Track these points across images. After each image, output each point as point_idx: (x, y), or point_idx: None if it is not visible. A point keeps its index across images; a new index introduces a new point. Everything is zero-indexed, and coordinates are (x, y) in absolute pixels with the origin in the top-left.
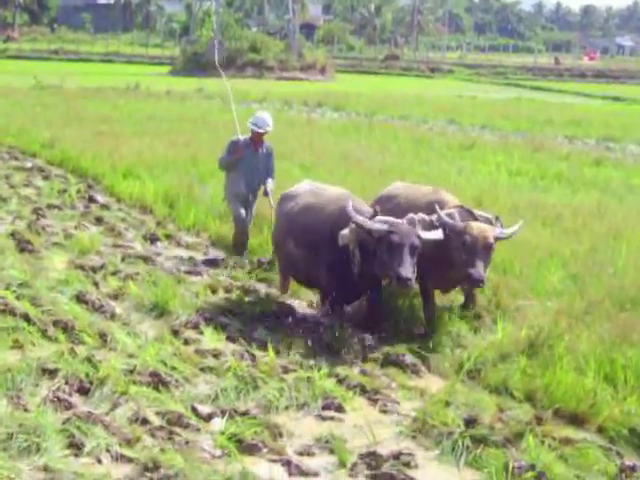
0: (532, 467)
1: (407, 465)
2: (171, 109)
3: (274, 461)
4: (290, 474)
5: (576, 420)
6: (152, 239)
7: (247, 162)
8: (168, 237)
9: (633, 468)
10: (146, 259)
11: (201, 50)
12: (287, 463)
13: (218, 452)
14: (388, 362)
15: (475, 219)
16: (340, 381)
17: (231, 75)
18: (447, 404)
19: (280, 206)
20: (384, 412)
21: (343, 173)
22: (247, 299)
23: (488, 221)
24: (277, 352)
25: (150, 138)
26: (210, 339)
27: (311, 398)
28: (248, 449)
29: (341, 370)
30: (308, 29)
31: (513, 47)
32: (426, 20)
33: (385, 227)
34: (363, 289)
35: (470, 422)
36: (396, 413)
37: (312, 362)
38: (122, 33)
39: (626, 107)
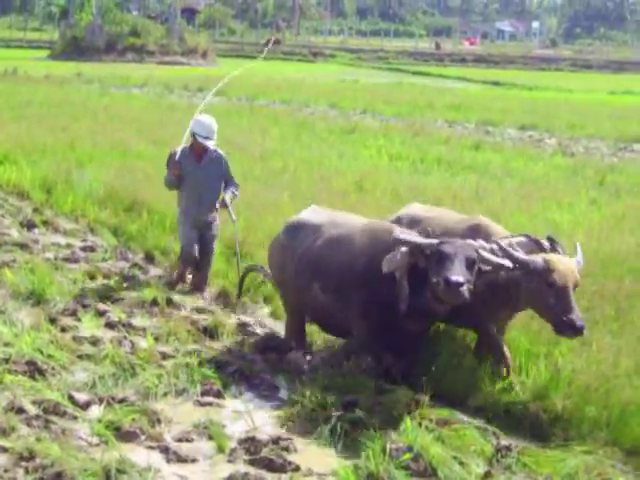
0: (409, 449)
1: (286, 449)
2: (50, 94)
3: (152, 448)
4: (168, 460)
5: (455, 402)
6: (29, 226)
7: (190, 177)
8: (46, 223)
9: (508, 448)
10: (23, 246)
11: (80, 34)
12: (165, 450)
13: (95, 440)
14: (267, 347)
15: (542, 249)
16: (219, 367)
17: (111, 60)
18: (326, 388)
19: (289, 239)
20: (263, 397)
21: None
22: (126, 285)
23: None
24: (156, 339)
25: (28, 123)
26: (88, 326)
27: (190, 384)
28: (126, 436)
29: (220, 356)
30: (189, 13)
31: (395, 32)
32: (308, 4)
33: (435, 241)
34: (408, 334)
35: (349, 406)
36: (275, 398)
37: (191, 348)
38: None
39: (505, 92)
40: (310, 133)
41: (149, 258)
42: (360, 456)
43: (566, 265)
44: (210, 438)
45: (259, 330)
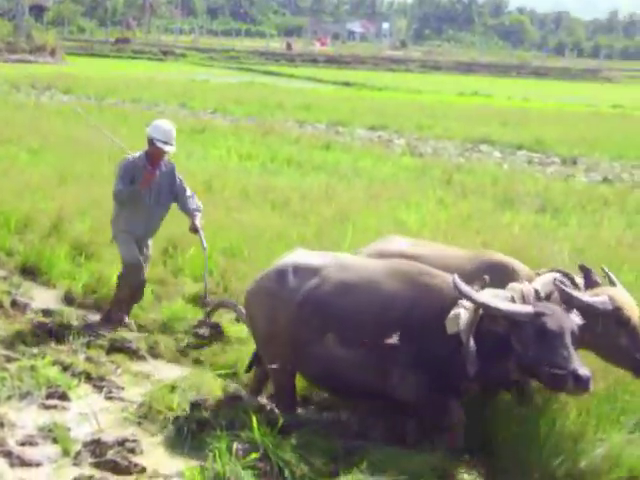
0: (256, 449)
1: (132, 451)
2: None
3: None
4: (12, 465)
5: (302, 401)
6: None
7: (144, 190)
8: None
9: (355, 446)
10: None
11: None
12: (8, 454)
13: None
14: (114, 348)
15: (576, 286)
16: (65, 368)
17: None
18: (173, 389)
19: (280, 286)
20: (109, 399)
21: (71, 156)
22: None
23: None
24: (0, 341)
25: None
26: None
27: (34, 387)
28: None
29: (66, 357)
30: (38, 10)
31: (246, 32)
32: (158, 3)
33: (530, 309)
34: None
35: (196, 406)
36: (122, 399)
37: (36, 350)
38: None
39: (355, 92)
40: None
41: None
42: (207, 457)
43: (628, 298)
44: (55, 441)
45: (105, 332)
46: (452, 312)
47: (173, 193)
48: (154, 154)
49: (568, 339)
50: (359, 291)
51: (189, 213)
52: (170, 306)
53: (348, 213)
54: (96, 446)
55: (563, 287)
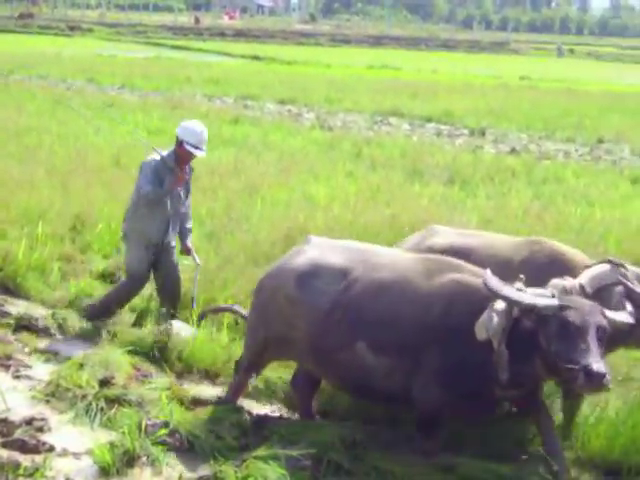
0: (165, 424)
1: (40, 430)
2: None
3: None
4: None
5: (211, 376)
6: None
7: (172, 195)
8: None
9: (264, 419)
10: None
11: None
12: None
13: None
14: (21, 326)
15: (624, 276)
16: None
17: None
18: (81, 366)
19: (302, 290)
20: (17, 377)
21: None
22: None
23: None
24: None
25: None
26: None
27: None
28: None
29: None
30: None
31: (154, 6)
32: None
33: (554, 302)
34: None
35: (105, 383)
36: (29, 378)
37: None
38: None
39: (265, 66)
40: (67, 109)
41: None
42: (117, 433)
43: None
44: None
45: (12, 310)
46: (482, 317)
47: (186, 202)
48: (183, 157)
49: (592, 334)
50: (394, 293)
51: (182, 230)
52: (78, 283)
53: (257, 187)
54: (3, 425)
55: (626, 281)
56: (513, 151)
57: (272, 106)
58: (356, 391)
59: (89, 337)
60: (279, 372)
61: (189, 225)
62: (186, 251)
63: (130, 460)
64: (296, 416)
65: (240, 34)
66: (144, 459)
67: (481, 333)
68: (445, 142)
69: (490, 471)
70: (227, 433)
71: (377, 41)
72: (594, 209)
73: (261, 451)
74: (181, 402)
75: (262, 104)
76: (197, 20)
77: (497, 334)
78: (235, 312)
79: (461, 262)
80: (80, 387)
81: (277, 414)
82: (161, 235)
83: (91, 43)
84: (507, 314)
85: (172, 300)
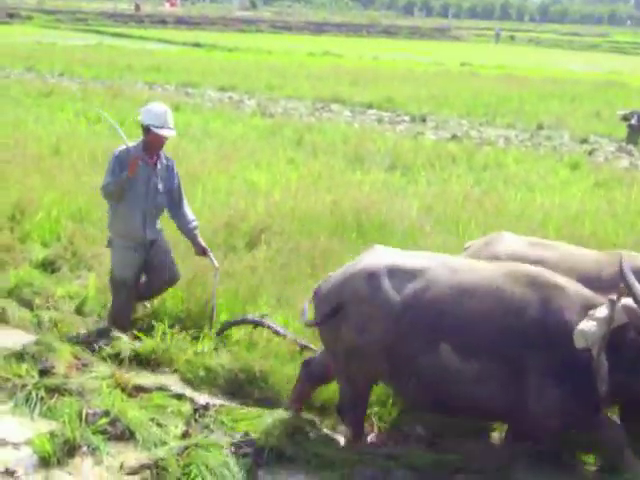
0: (106, 413)
1: None
2: None
3: None
4: None
5: (152, 365)
6: None
7: (141, 183)
8: None
9: (206, 407)
10: None
11: None
12: None
13: None
14: None
15: None
16: None
17: None
18: (21, 356)
19: (376, 291)
20: None
21: None
22: None
23: None
24: None
25: None
26: None
27: None
28: None
29: None
30: None
31: None
32: None
33: None
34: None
35: (45, 372)
36: None
37: None
38: None
39: (206, 53)
40: (5, 97)
41: None
42: (57, 422)
43: None
44: None
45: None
46: (580, 325)
47: (169, 193)
48: (152, 143)
49: None
50: (479, 296)
51: (187, 232)
52: (17, 273)
53: (198, 174)
54: None
55: None
56: (454, 137)
57: (213, 93)
58: (437, 404)
59: (29, 326)
60: (221, 359)
61: (192, 224)
62: (201, 252)
63: (71, 449)
64: (237, 403)
65: (181, 21)
66: (85, 448)
67: (580, 341)
68: (386, 129)
69: (437, 461)
70: (168, 421)
71: (318, 28)
72: (534, 194)
73: (203, 439)
74: (122, 391)
75: (203, 91)
76: (137, 7)
77: (596, 343)
78: (266, 326)
79: (550, 272)
80: (20, 377)
81: (218, 402)
82: (142, 227)
83: (30, 30)
84: (608, 322)
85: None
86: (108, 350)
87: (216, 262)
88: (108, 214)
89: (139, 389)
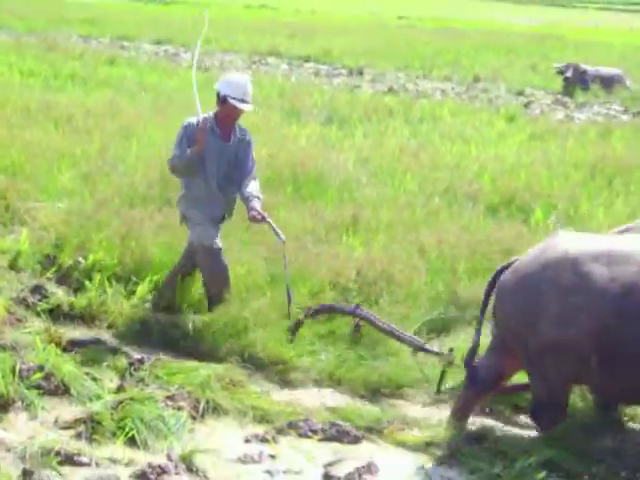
0: (40, 368)
1: None
2: None
3: None
4: None
5: (87, 320)
6: None
7: (212, 157)
8: None
9: (141, 361)
10: None
11: None
12: None
13: None
14: None
15: None
16: None
17: None
18: None
19: (583, 278)
20: None
21: None
22: None
23: None
24: None
25: None
26: None
27: None
28: None
29: None
30: None
31: None
32: None
33: None
34: None
35: None
36: None
37: None
38: None
39: (142, 6)
40: None
41: None
42: None
43: None
44: None
45: None
46: None
47: (243, 168)
48: (227, 115)
49: None
50: None
51: (245, 199)
52: None
53: (133, 128)
54: None
55: None
56: (391, 90)
57: (149, 47)
58: None
59: None
60: (157, 313)
61: (253, 193)
62: (257, 218)
63: (4, 405)
64: (172, 357)
65: None
66: (19, 403)
67: None
68: (323, 82)
69: (360, 413)
70: (103, 375)
71: None
72: (470, 147)
73: (138, 392)
74: (57, 345)
75: (138, 45)
76: None
77: None
78: (360, 316)
79: None
80: None
81: (154, 356)
82: (221, 210)
83: None
84: None
85: (217, 284)
86: (42, 305)
87: (282, 235)
88: (180, 190)
89: (74, 344)
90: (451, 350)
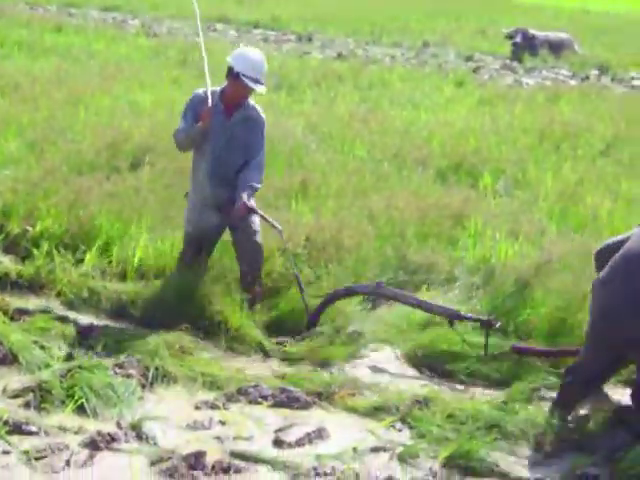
0: None
1: None
2: None
3: None
4: None
5: (35, 288)
6: None
7: (214, 136)
8: None
9: (90, 328)
10: None
11: None
12: None
13: None
14: None
15: None
16: None
17: None
18: None
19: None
20: None
21: None
22: None
23: None
24: None
25: None
26: None
27: None
28: None
29: None
30: None
31: None
32: None
33: None
34: None
35: None
36: None
37: None
38: None
39: None
40: None
41: None
42: None
43: None
44: None
45: None
46: None
47: (248, 150)
48: (236, 92)
49: None
50: None
51: (237, 186)
52: None
53: (81, 96)
54: None
55: None
56: (340, 56)
57: (96, 14)
58: None
59: None
60: (106, 281)
61: (249, 183)
62: (243, 208)
63: None
64: (121, 325)
65: None
66: None
67: None
68: (272, 48)
69: (310, 378)
70: (52, 344)
71: None
72: (419, 112)
73: (86, 360)
74: (4, 314)
75: (86, 12)
76: None
77: None
78: (384, 295)
79: None
80: None
81: (102, 323)
82: (210, 185)
83: None
84: None
85: (250, 263)
86: None
87: (278, 225)
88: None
89: (22, 312)
90: (490, 314)
